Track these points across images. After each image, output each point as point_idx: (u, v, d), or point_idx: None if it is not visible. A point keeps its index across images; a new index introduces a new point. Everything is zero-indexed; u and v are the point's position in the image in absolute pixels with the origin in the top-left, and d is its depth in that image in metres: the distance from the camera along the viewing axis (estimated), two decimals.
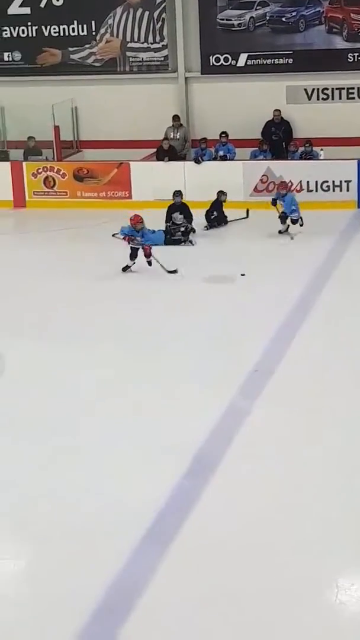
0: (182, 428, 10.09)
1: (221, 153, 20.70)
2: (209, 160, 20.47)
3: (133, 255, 15.64)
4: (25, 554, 8.21)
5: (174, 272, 15.47)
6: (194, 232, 17.98)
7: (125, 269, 15.71)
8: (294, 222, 17.52)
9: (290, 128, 21.26)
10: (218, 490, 8.92)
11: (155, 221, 17.49)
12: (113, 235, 17.07)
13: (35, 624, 7.18)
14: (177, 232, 17.67)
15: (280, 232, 17.72)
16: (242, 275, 15.13)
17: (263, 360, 11.88)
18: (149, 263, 15.54)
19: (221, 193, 18.62)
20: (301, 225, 17.42)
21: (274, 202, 17.83)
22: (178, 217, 17.80)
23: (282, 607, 7.23)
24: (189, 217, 17.81)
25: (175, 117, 21.36)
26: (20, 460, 9.59)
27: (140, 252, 15.62)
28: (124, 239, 15.58)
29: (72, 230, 19.00)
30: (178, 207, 17.87)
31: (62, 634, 6.99)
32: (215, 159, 20.64)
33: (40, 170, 21.06)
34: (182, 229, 17.70)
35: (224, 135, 20.68)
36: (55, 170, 21.01)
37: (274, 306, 13.76)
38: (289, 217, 17.52)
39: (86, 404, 10.87)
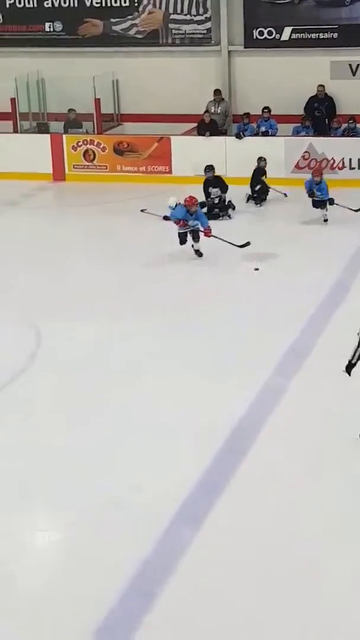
0: (217, 407, 10.01)
1: (263, 129, 20.45)
2: (250, 135, 20.23)
3: (183, 241, 15.15)
4: (55, 528, 8.28)
5: (247, 244, 15.19)
6: (234, 208, 17.83)
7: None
8: (330, 202, 16.97)
9: (334, 104, 20.91)
10: (252, 470, 8.87)
11: (196, 196, 17.30)
12: (142, 211, 17.04)
13: (65, 600, 7.20)
14: (215, 208, 17.51)
15: (326, 220, 17.02)
16: (256, 269, 14.50)
17: (300, 340, 11.74)
18: (199, 253, 15.09)
19: (260, 159, 18.39)
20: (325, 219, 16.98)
21: (310, 194, 17.02)
22: (214, 191, 17.67)
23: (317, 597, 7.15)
24: (224, 188, 17.71)
25: (217, 92, 21.11)
26: (53, 434, 9.62)
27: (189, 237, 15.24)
28: (177, 222, 15.08)
29: (111, 205, 18.84)
30: (212, 181, 17.74)
31: (93, 610, 7.02)
32: (257, 134, 20.39)
33: (80, 143, 20.93)
34: (216, 200, 17.56)
35: (266, 110, 20.42)
36: (95, 144, 20.87)
37: (311, 288, 13.56)
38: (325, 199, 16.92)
39: (120, 380, 10.84)
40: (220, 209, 17.61)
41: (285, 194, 18.62)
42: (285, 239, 16.25)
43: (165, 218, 17.04)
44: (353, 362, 8.93)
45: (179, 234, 15.09)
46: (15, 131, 22.15)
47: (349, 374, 9.03)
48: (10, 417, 10.19)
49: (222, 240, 14.98)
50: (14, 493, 8.70)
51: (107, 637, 6.83)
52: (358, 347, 8.86)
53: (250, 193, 18.46)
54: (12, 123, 22.21)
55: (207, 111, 20.65)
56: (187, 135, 20.86)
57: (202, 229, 15.03)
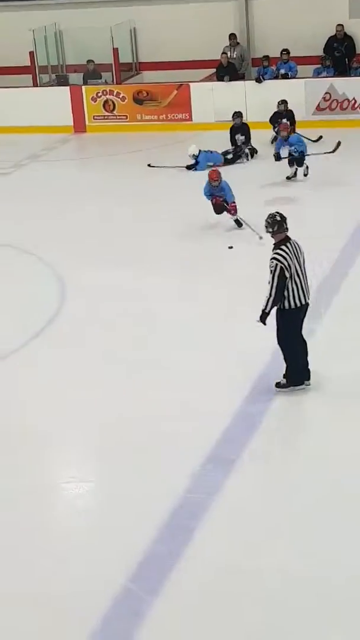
0: (249, 346, 10.03)
1: (282, 71, 20.31)
2: (270, 78, 20.09)
3: (218, 211, 13.94)
4: (96, 469, 8.46)
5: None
6: (257, 152, 17.76)
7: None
8: (298, 161, 15.79)
9: (354, 43, 20.71)
10: (281, 411, 8.96)
11: (218, 143, 17.41)
12: (149, 166, 17.13)
13: (103, 536, 7.36)
14: (239, 154, 17.52)
15: (288, 178, 16.05)
16: (230, 247, 13.16)
17: (327, 281, 11.74)
18: (238, 223, 13.74)
19: (279, 103, 18.10)
20: (305, 173, 15.93)
21: (278, 157, 15.94)
22: (240, 139, 17.64)
23: None
24: (247, 137, 17.67)
25: (232, 36, 20.97)
26: (91, 379, 9.78)
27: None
28: (212, 201, 13.85)
29: (132, 154, 18.83)
30: (239, 128, 17.70)
31: (129, 547, 7.15)
32: (277, 77, 20.25)
33: (99, 94, 20.89)
34: (240, 149, 17.59)
35: (285, 52, 20.27)
36: (114, 94, 20.83)
37: (332, 233, 13.47)
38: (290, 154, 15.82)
39: (150, 322, 10.95)
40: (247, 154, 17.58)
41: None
42: (302, 185, 15.93)
43: (189, 167, 17.03)
44: (267, 310, 8.90)
45: (213, 205, 13.99)
46: (35, 85, 22.14)
47: (264, 324, 8.99)
48: (51, 355, 10.41)
49: (247, 224, 13.55)
50: (43, 431, 8.89)
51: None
52: (269, 295, 8.82)
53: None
54: (31, 77, 22.18)
55: (224, 53, 20.52)
56: (206, 81, 20.75)
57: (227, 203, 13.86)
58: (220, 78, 20.26)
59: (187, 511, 7.56)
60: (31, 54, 22.04)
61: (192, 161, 16.99)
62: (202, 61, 21.18)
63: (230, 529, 7.33)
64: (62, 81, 22.02)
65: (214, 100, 19.93)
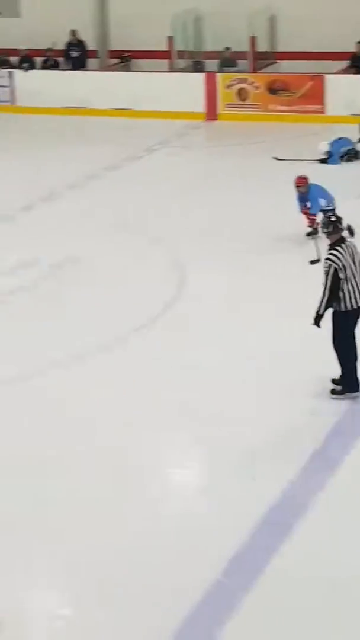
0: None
1: None
2: None
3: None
4: (197, 466, 8.57)
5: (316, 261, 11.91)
6: None
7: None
8: None
9: None
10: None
11: (350, 137, 17.30)
12: (274, 158, 16.94)
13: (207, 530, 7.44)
14: None
15: None
16: (313, 262, 11.78)
17: None
18: (314, 231, 12.19)
19: None
20: None
21: None
22: None
23: None
24: None
25: None
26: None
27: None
28: (302, 211, 13.00)
29: (260, 145, 18.68)
30: None
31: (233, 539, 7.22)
32: None
33: (234, 82, 20.85)
34: None
35: None
36: (249, 82, 20.76)
37: None
38: None
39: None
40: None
41: None
42: None
43: (322, 161, 16.84)
44: (320, 312, 8.82)
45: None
46: (171, 70, 22.24)
47: (319, 326, 8.88)
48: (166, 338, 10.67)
49: (316, 243, 12.02)
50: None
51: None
52: (323, 297, 8.73)
53: None
54: (167, 62, 22.30)
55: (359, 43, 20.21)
56: (342, 73, 20.46)
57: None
58: (354, 66, 19.90)
59: (286, 509, 7.61)
60: (169, 38, 22.14)
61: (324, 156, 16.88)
62: (339, 52, 20.84)
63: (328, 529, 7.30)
64: (198, 67, 22.07)
65: (349, 93, 19.63)
